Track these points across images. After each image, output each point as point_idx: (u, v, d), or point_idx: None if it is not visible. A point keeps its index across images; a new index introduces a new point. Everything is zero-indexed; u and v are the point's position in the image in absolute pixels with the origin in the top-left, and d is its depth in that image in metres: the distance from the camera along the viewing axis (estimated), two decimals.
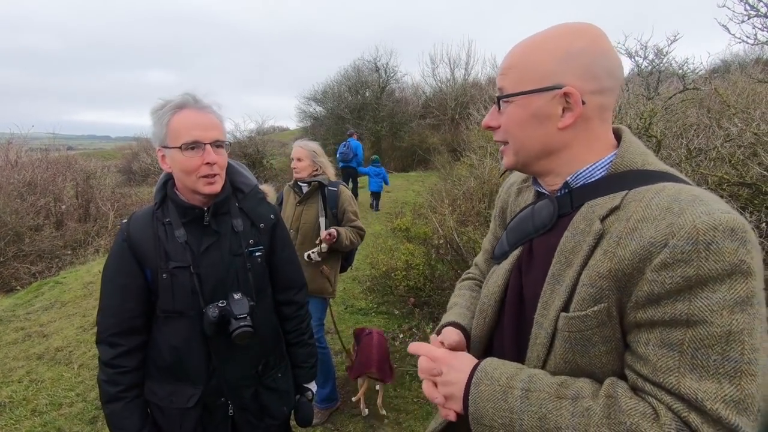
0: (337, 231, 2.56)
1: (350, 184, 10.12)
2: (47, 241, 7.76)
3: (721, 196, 2.27)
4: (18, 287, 6.46)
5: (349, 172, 10.35)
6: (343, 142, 10.53)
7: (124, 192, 11.55)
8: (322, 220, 2.62)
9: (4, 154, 9.55)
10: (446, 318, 1.01)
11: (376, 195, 9.95)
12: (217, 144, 1.28)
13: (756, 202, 2.26)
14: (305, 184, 2.67)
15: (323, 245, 2.54)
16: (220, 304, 1.29)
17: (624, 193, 0.69)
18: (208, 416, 1.37)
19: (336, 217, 2.69)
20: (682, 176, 0.72)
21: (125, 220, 1.36)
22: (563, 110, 0.73)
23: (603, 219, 0.69)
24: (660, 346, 0.61)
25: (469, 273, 1.18)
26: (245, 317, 1.29)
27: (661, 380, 0.60)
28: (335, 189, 2.70)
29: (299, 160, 2.63)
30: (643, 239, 0.62)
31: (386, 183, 10.19)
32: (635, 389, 0.64)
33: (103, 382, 1.30)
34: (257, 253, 1.41)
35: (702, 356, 0.57)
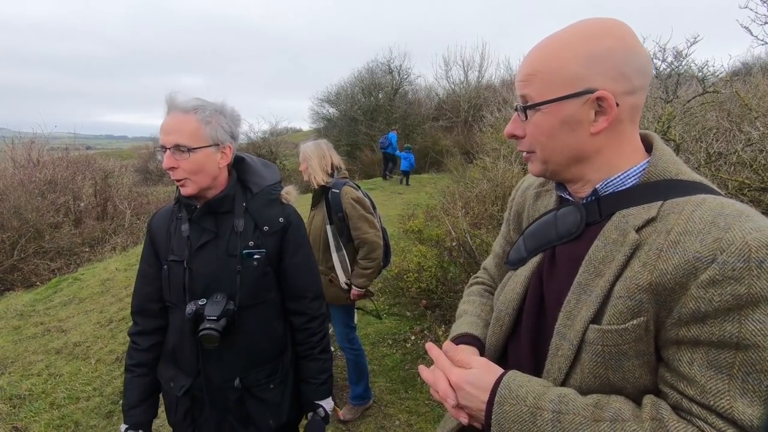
0: (353, 285, 2.50)
1: (388, 166, 14.69)
2: (66, 239, 7.93)
3: (742, 201, 2.21)
4: (38, 283, 6.63)
5: (386, 156, 14.50)
6: (384, 135, 14.79)
7: (141, 191, 11.77)
8: (329, 228, 2.48)
9: (27, 153, 9.80)
10: (457, 328, 0.97)
11: (405, 173, 13.61)
12: (179, 148, 1.21)
13: None
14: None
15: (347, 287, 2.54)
16: (199, 303, 1.28)
17: (659, 203, 0.67)
18: (197, 409, 1.40)
19: (344, 222, 2.47)
20: (715, 188, 0.70)
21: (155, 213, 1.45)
22: (595, 114, 0.69)
23: (638, 230, 0.66)
24: (707, 368, 0.59)
25: (477, 277, 1.13)
26: (214, 320, 1.24)
27: (712, 403, 0.58)
28: (337, 191, 2.43)
29: (300, 164, 2.55)
30: (687, 253, 0.59)
31: (413, 165, 13.83)
32: (678, 409, 0.62)
33: (127, 352, 1.45)
34: (255, 256, 1.34)
35: (754, 381, 0.56)
